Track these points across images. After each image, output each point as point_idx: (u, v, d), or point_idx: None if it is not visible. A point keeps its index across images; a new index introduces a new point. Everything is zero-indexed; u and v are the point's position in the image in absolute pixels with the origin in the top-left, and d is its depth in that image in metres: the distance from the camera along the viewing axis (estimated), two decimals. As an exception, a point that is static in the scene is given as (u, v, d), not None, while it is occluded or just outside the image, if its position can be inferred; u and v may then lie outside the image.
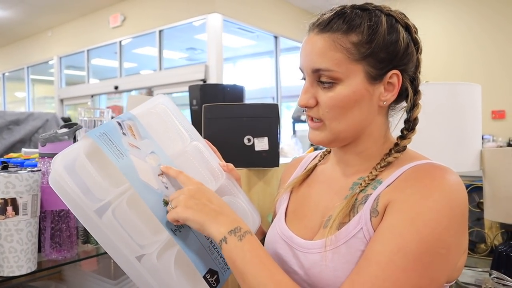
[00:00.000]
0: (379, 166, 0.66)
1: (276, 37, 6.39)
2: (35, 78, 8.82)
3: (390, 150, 0.68)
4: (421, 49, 0.68)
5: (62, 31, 7.49)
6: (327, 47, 0.63)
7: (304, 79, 0.69)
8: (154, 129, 0.73)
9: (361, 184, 0.66)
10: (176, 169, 0.69)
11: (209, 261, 0.67)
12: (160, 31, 5.97)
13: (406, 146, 0.68)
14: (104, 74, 7.47)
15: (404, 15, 0.67)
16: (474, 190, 1.44)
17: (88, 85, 7.30)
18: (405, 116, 0.70)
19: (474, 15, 5.52)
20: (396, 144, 0.68)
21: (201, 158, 0.80)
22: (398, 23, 0.65)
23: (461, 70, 5.49)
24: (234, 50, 6.92)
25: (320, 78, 0.64)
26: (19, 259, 0.73)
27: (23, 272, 0.74)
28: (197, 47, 6.43)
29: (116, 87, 6.59)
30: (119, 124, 0.67)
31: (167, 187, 0.66)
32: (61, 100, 7.71)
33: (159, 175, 0.66)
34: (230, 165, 0.84)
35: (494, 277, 1.05)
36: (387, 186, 0.62)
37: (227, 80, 5.49)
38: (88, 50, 7.15)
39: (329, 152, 0.81)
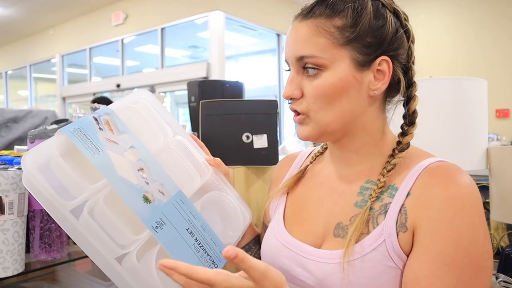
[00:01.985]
0: (385, 171, 0.62)
1: (278, 35, 6.36)
2: (37, 76, 8.84)
3: (394, 150, 0.64)
4: (413, 38, 0.65)
5: (64, 29, 7.49)
6: (310, 33, 0.61)
7: (290, 71, 0.65)
8: (134, 124, 0.70)
9: (374, 190, 0.62)
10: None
11: (194, 259, 0.63)
12: (162, 29, 5.96)
13: (409, 143, 0.64)
14: (106, 72, 7.48)
15: (392, 1, 0.64)
16: (480, 189, 1.40)
17: (90, 83, 7.31)
18: (400, 113, 0.67)
19: (476, 13, 5.48)
20: (398, 143, 0.64)
21: (186, 153, 0.77)
22: (385, 8, 0.62)
23: (464, 69, 5.45)
24: (236, 48, 6.90)
25: (305, 65, 0.62)
26: (5, 260, 0.70)
27: (9, 274, 0.71)
28: (200, 45, 6.42)
29: (118, 85, 6.58)
30: (96, 119, 0.64)
31: (147, 182, 0.62)
32: (63, 98, 7.73)
33: (138, 170, 0.63)
34: (218, 159, 0.81)
35: (501, 281, 1.02)
36: (408, 195, 0.59)
37: (229, 78, 5.47)
38: (90, 48, 7.15)
39: (322, 153, 0.78)
